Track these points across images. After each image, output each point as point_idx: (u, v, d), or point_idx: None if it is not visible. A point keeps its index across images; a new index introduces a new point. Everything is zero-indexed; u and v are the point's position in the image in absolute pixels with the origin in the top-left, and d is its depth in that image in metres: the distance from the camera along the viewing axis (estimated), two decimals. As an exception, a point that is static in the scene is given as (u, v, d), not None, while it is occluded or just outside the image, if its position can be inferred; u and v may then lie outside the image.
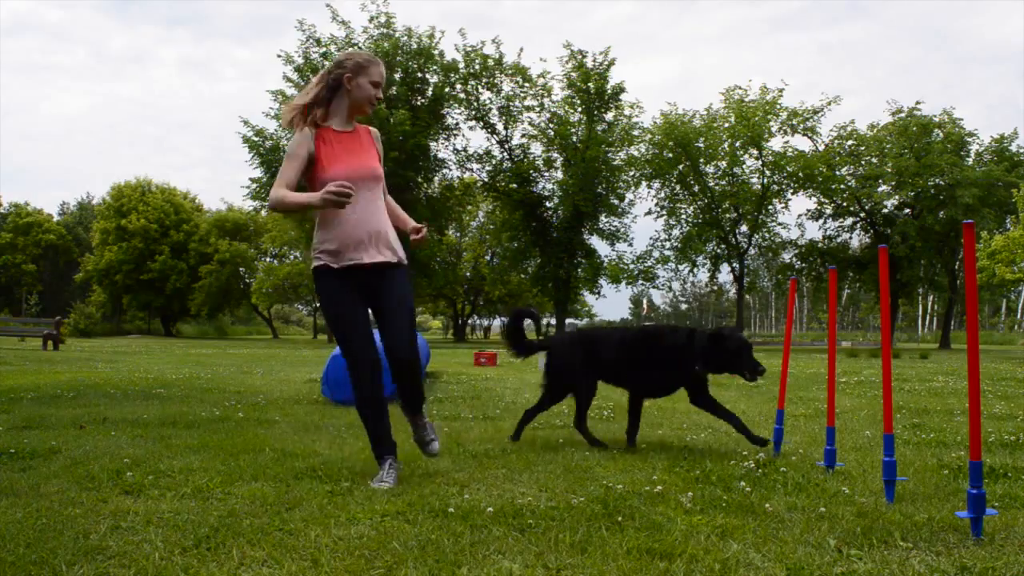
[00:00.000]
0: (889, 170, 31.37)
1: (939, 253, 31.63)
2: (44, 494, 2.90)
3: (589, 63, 32.61)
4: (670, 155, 32.74)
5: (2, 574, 2.01)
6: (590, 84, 32.52)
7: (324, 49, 31.48)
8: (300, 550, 2.23)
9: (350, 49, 2.89)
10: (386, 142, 29.16)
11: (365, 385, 3.24)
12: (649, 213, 34.77)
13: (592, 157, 31.70)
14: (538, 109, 33.72)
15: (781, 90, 32.05)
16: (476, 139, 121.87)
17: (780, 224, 34.56)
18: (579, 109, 33.22)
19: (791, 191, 33.17)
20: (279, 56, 31.56)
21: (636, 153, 33.78)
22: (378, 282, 3.25)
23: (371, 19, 31.43)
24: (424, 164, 32.47)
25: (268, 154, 30.61)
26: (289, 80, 31.55)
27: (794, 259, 36.08)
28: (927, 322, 60.26)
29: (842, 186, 32.68)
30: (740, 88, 32.89)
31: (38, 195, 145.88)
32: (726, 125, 32.43)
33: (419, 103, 32.20)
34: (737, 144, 32.39)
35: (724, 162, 33.07)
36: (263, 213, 42.97)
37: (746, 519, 2.63)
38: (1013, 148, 31.82)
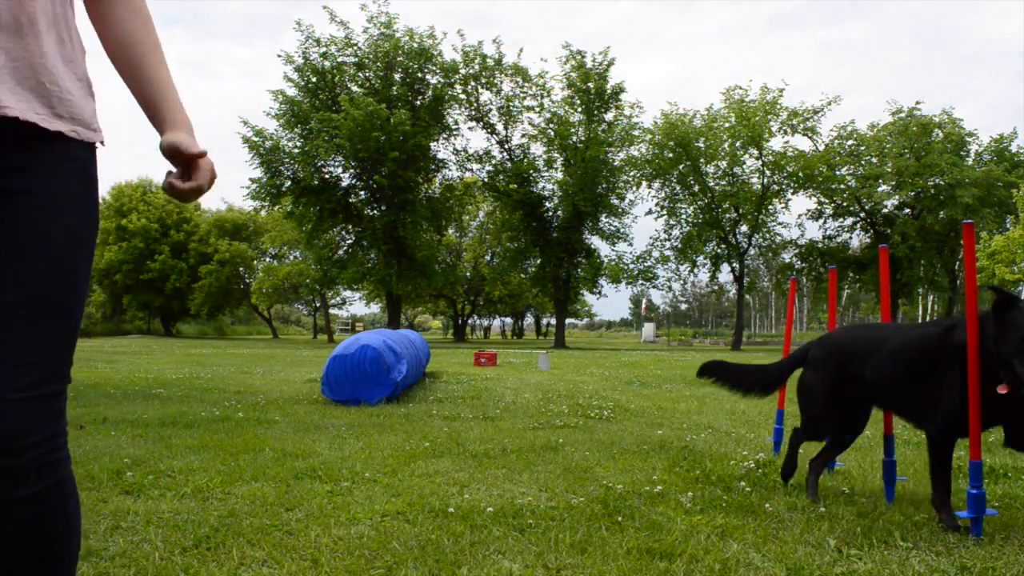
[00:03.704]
0: (889, 170, 31.36)
1: (939, 253, 31.60)
2: (44, 494, 2.90)
3: (589, 63, 32.61)
4: (670, 155, 32.71)
5: (2, 574, 2.00)
6: (590, 84, 32.50)
7: (323, 49, 31.50)
8: (300, 550, 2.23)
9: None
10: (386, 142, 29.10)
11: None
12: (649, 213, 34.79)
13: (592, 157, 31.69)
14: (538, 109, 33.74)
15: (781, 90, 32.04)
16: (476, 139, 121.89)
17: (780, 224, 34.58)
18: (579, 109, 33.20)
19: (791, 191, 33.16)
20: (279, 56, 31.60)
21: (636, 153, 33.79)
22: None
23: (370, 19, 31.45)
24: (424, 164, 32.49)
25: (268, 154, 30.63)
26: (289, 80, 31.57)
27: (794, 259, 36.09)
28: (927, 322, 60.24)
29: (842, 186, 32.67)
30: (740, 88, 32.87)
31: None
32: (726, 125, 32.39)
33: (419, 103, 32.21)
34: (737, 144, 32.36)
35: (724, 162, 33.05)
36: (263, 213, 42.90)
37: (746, 519, 2.63)
38: (1013, 148, 31.81)
